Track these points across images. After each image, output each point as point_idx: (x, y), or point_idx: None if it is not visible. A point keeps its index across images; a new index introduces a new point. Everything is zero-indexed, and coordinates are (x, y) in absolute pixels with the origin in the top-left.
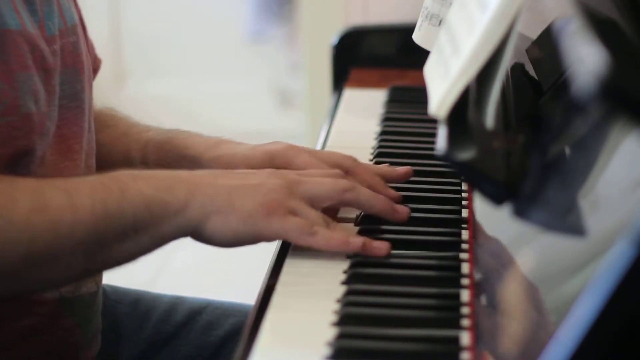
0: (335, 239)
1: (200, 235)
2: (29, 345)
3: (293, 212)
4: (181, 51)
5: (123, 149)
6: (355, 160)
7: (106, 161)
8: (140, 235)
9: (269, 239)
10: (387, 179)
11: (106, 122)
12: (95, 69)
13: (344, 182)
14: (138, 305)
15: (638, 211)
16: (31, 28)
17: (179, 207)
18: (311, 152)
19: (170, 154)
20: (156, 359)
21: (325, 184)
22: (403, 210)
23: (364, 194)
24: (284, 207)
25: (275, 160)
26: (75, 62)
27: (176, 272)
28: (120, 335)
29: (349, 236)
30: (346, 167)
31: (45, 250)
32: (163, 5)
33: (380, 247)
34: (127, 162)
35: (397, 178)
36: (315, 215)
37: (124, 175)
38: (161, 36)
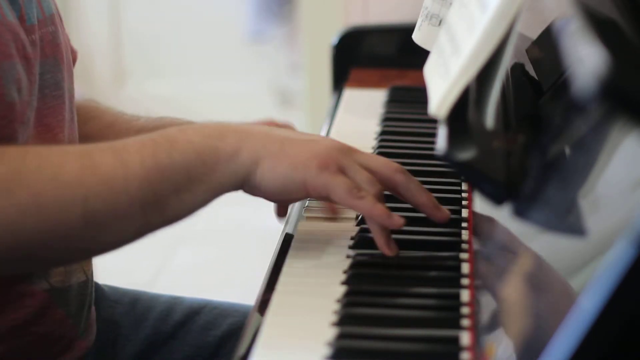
0: (379, 209)
1: (251, 183)
2: (20, 337)
3: (344, 172)
4: (181, 51)
5: (113, 139)
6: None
7: None
8: (195, 184)
9: (315, 190)
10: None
11: (89, 113)
12: (73, 60)
13: (396, 164)
14: (136, 306)
15: (638, 211)
16: (11, 17)
17: (231, 152)
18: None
19: None
20: (154, 359)
21: (380, 159)
22: (445, 211)
23: (414, 182)
24: (336, 165)
25: None
26: (54, 52)
27: (175, 273)
28: (118, 336)
29: (391, 213)
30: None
31: (102, 209)
32: (163, 5)
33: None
34: None
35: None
36: (367, 177)
37: (172, 129)
38: (161, 36)
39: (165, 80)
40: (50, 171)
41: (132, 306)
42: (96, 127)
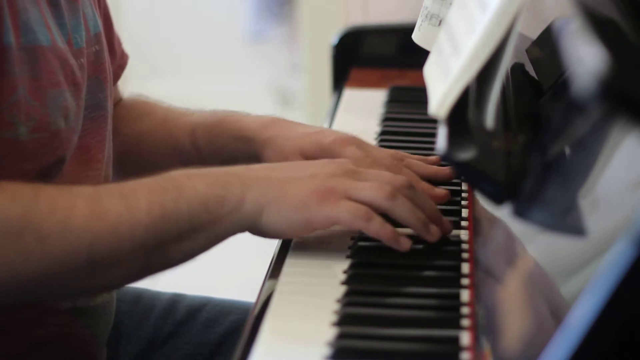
0: (388, 231)
1: (257, 229)
2: (42, 355)
3: (348, 197)
4: (181, 51)
5: (167, 136)
6: (402, 159)
7: (150, 150)
8: (198, 233)
9: (321, 225)
10: (434, 179)
11: (141, 109)
12: (123, 65)
13: (402, 178)
14: (138, 303)
15: (638, 211)
16: (61, 43)
17: (235, 202)
18: (359, 145)
19: (224, 135)
20: (156, 357)
21: (384, 174)
22: (447, 224)
23: (419, 196)
24: (337, 194)
25: (325, 153)
26: (98, 72)
27: (177, 272)
28: (120, 334)
29: (400, 235)
30: (391, 166)
31: (105, 254)
32: (163, 5)
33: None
34: (175, 148)
35: (443, 178)
36: (371, 192)
37: (179, 175)
38: (161, 36)
39: (165, 80)
40: (60, 216)
41: (134, 304)
42: (149, 124)
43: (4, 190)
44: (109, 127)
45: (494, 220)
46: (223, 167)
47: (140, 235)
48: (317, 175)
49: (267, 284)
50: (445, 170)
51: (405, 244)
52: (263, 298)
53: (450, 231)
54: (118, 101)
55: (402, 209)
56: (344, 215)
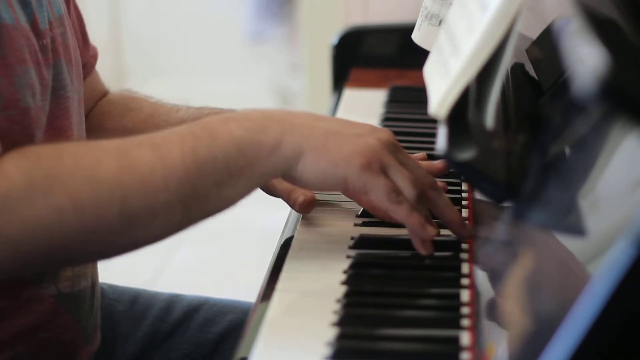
0: (415, 218)
1: (291, 174)
2: (28, 342)
3: (386, 173)
4: (181, 51)
5: (153, 131)
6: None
7: None
8: (235, 178)
9: (355, 188)
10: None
11: (128, 105)
12: (95, 55)
13: (432, 178)
14: (136, 303)
15: (638, 211)
16: (24, 22)
17: (273, 145)
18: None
19: None
20: (154, 357)
21: (419, 168)
22: (468, 230)
23: (444, 199)
24: (379, 164)
25: None
26: (65, 54)
27: (176, 272)
28: (118, 334)
29: (426, 223)
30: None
31: (140, 207)
32: (163, 5)
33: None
34: None
35: (437, 172)
36: (408, 180)
37: (214, 121)
38: (161, 36)
39: (165, 80)
40: (87, 171)
41: (132, 304)
42: (135, 119)
43: (26, 154)
44: (77, 109)
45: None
46: (261, 110)
47: (175, 185)
48: (363, 137)
49: (267, 284)
50: (438, 164)
51: (432, 232)
52: (263, 298)
53: (470, 236)
54: (104, 94)
55: (443, 201)
56: (380, 189)
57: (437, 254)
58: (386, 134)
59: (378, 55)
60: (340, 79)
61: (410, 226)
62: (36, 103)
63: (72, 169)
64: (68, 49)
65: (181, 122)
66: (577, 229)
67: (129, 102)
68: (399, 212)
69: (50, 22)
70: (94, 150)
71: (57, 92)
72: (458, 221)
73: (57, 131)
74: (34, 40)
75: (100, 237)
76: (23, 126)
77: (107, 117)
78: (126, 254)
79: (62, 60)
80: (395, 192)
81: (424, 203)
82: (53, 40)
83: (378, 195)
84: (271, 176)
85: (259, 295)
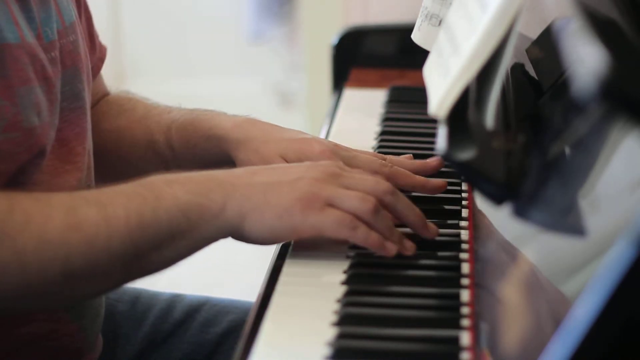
0: (374, 238)
1: (239, 235)
2: (32, 351)
3: (332, 205)
4: (181, 51)
5: (144, 132)
6: (384, 158)
7: (128, 146)
8: (177, 241)
9: (306, 234)
10: (422, 173)
11: (123, 105)
12: (102, 57)
13: (385, 184)
14: (136, 303)
15: (638, 211)
16: (30, 38)
17: (217, 210)
18: (344, 151)
19: (195, 134)
20: (155, 357)
21: (367, 180)
22: (433, 229)
23: (402, 202)
24: (321, 201)
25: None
26: (75, 62)
27: (176, 272)
28: (119, 334)
29: (385, 240)
30: (379, 168)
31: (82, 266)
32: (163, 5)
33: (410, 249)
34: (150, 145)
35: (431, 170)
36: (357, 200)
37: (158, 181)
38: (161, 36)
39: (165, 80)
40: (35, 229)
41: (133, 304)
42: (127, 120)
43: None
44: (88, 118)
45: (489, 227)
46: (204, 172)
47: (118, 245)
48: (300, 181)
49: (267, 284)
50: (432, 163)
51: (392, 250)
52: (263, 298)
53: (437, 234)
54: (104, 96)
55: (382, 225)
56: (330, 224)
57: (437, 254)
58: (322, 167)
59: (378, 55)
60: (340, 79)
61: (371, 247)
62: (42, 120)
63: (22, 227)
64: (79, 56)
65: (171, 124)
66: (577, 229)
67: (124, 102)
68: (357, 238)
69: (59, 32)
70: (44, 207)
71: (63, 102)
72: (420, 223)
73: (60, 142)
74: (41, 55)
75: (40, 293)
76: (27, 146)
77: (103, 117)
78: (64, 307)
79: (73, 69)
80: (346, 219)
81: (383, 213)
82: (62, 50)
83: (330, 230)
84: (215, 239)
85: (259, 295)
